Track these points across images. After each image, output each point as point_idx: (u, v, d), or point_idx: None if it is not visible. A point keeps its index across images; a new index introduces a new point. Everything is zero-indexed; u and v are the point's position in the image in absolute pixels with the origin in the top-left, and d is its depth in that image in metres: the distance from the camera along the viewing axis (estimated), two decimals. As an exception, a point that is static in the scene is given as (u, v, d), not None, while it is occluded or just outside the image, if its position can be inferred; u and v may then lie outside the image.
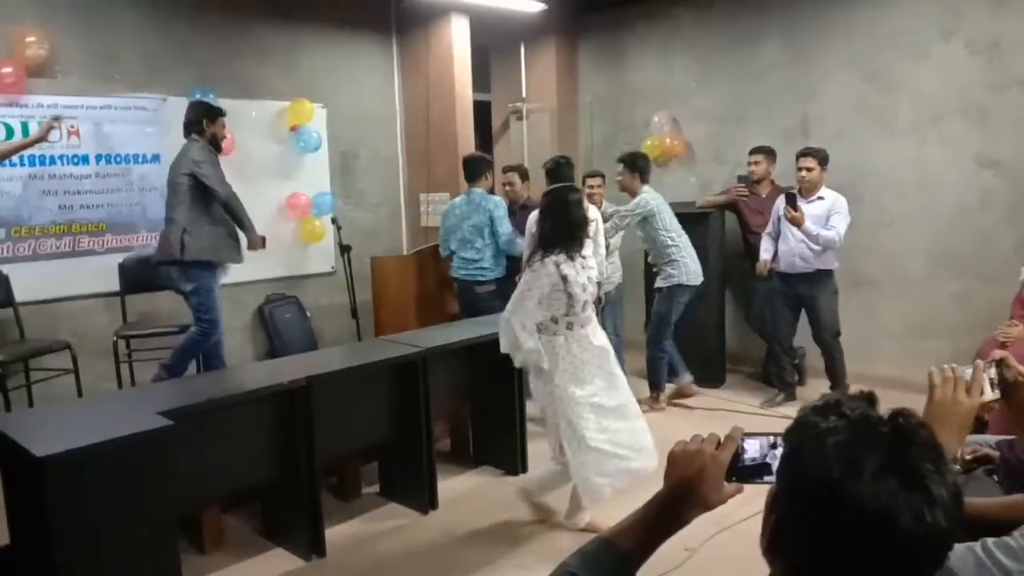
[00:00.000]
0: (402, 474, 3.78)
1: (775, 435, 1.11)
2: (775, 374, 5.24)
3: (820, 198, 4.78)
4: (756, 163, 5.32)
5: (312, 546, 3.28)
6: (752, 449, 1.16)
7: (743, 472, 1.15)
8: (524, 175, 5.42)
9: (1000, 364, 1.58)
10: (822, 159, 4.79)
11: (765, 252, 5.07)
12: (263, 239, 4.49)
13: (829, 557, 0.88)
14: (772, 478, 1.05)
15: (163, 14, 5.18)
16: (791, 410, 4.89)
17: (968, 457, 2.49)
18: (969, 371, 1.49)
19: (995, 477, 2.32)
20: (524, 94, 7.11)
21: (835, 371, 4.91)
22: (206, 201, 4.24)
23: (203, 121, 4.32)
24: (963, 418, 1.45)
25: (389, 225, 6.61)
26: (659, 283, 4.98)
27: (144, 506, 2.53)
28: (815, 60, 5.57)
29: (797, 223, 4.61)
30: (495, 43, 7.15)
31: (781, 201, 4.90)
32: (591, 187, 5.36)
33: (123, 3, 5.01)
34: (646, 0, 6.44)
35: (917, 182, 5.15)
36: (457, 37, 6.13)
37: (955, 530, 0.89)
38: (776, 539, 0.95)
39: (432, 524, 3.58)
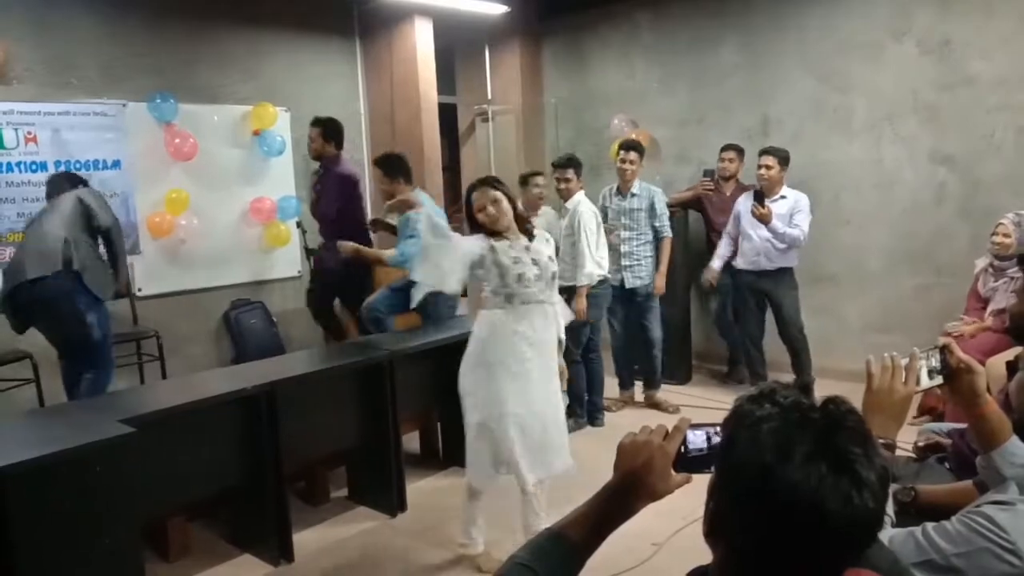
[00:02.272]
0: (370, 477, 3.78)
1: (718, 425, 1.15)
2: (746, 368, 5.32)
3: (782, 197, 4.89)
4: (729, 160, 5.36)
5: (280, 551, 3.27)
6: (697, 440, 1.19)
7: (689, 463, 1.18)
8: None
9: (944, 350, 1.62)
10: (782, 159, 4.88)
11: (718, 258, 5.18)
12: None
13: (763, 540, 0.92)
14: (710, 469, 1.09)
15: (122, 19, 5.12)
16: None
17: (921, 445, 2.56)
18: (906, 360, 1.53)
19: (947, 465, 2.39)
20: (489, 96, 7.13)
21: (800, 365, 5.00)
22: None
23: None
24: (900, 406, 1.49)
25: (355, 229, 6.58)
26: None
27: (107, 515, 2.51)
28: (772, 62, 5.67)
29: (765, 220, 4.69)
30: (459, 46, 7.16)
31: (743, 200, 4.98)
32: (537, 185, 5.23)
33: (80, 9, 4.94)
34: (607, 3, 6.50)
35: (874, 180, 5.26)
36: (421, 40, 6.14)
37: (883, 511, 0.93)
38: (714, 524, 0.99)
39: (401, 527, 3.58)
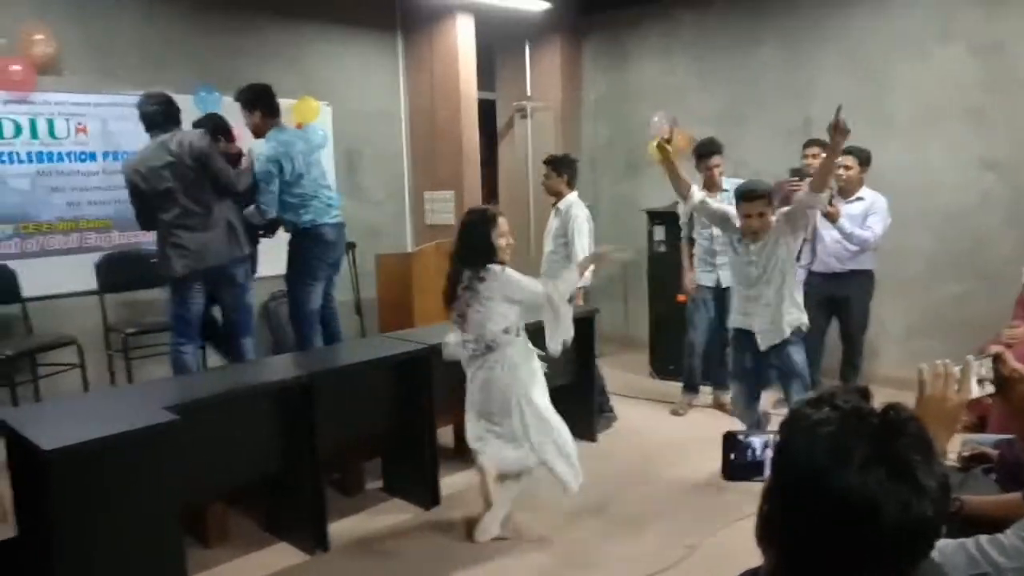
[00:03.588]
0: (405, 469, 3.81)
1: (769, 434, 1.14)
2: None
3: (859, 198, 4.72)
4: (813, 156, 4.85)
5: (315, 541, 3.31)
6: (752, 446, 1.18)
7: (740, 469, 1.18)
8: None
9: (996, 360, 1.59)
10: (863, 159, 4.70)
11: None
12: None
13: (817, 545, 0.91)
14: (762, 476, 1.07)
15: (168, 12, 5.21)
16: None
17: (966, 455, 2.51)
18: (959, 368, 1.50)
19: (993, 476, 2.34)
20: (529, 93, 7.13)
21: (850, 372, 4.89)
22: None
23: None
24: (952, 414, 1.46)
25: (394, 222, 6.64)
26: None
27: (148, 500, 2.56)
28: (813, 61, 5.59)
29: (832, 219, 4.54)
30: (500, 42, 7.17)
31: None
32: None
33: (127, 1, 5.04)
34: (647, 0, 6.46)
35: (917, 183, 5.16)
36: (462, 36, 6.15)
37: (942, 521, 0.92)
38: (767, 528, 0.98)
39: (434, 519, 3.61)
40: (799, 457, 0.94)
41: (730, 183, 4.87)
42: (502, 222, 3.20)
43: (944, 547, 1.43)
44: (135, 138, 5.05)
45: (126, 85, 5.04)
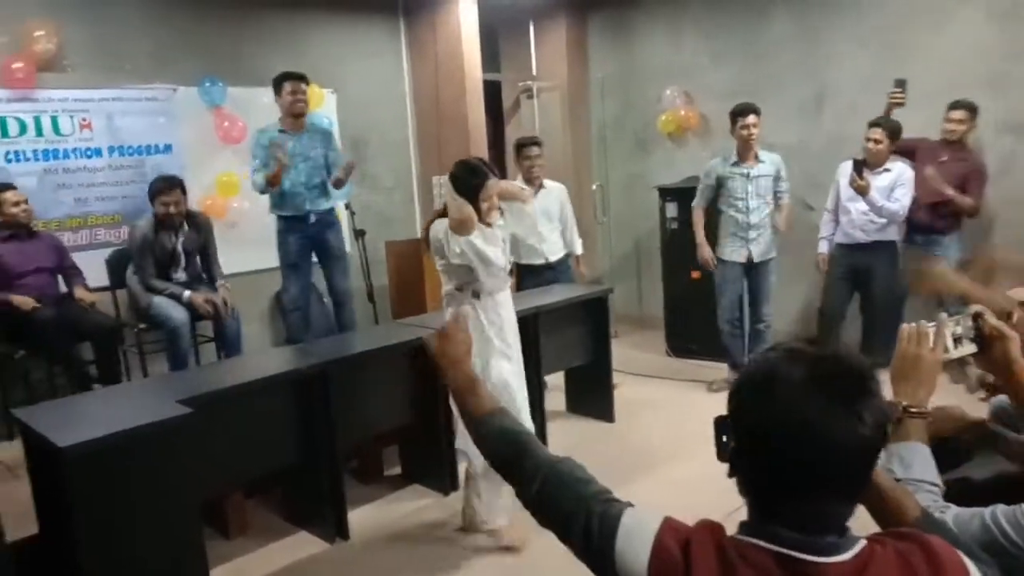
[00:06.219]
0: (423, 456, 3.79)
1: None
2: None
3: (886, 169, 4.63)
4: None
5: (336, 529, 3.30)
6: None
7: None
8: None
9: (976, 318, 1.59)
10: (892, 131, 4.59)
11: (825, 241, 4.92)
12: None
13: (774, 469, 1.02)
14: None
15: (169, 4, 5.16)
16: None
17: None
18: (933, 326, 1.51)
19: None
20: (534, 73, 7.05)
21: (873, 346, 4.82)
22: None
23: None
24: (927, 373, 1.49)
25: (402, 209, 6.59)
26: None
27: (166, 493, 2.55)
28: (827, 32, 5.48)
29: (862, 192, 4.45)
30: (504, 22, 7.08)
31: (844, 169, 4.75)
32: (529, 157, 4.87)
33: (129, -6, 5.00)
34: (654, -26, 6.36)
35: (937, 150, 5.05)
36: (465, 17, 6.07)
37: (880, 443, 1.03)
38: (733, 462, 1.09)
39: (453, 505, 3.58)
40: (751, 397, 1.05)
41: (765, 154, 4.80)
42: (489, 186, 2.95)
43: (958, 514, 1.41)
44: (140, 132, 5.07)
45: (130, 79, 5.02)
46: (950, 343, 1.55)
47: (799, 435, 0.98)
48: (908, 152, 4.73)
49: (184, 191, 4.59)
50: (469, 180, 2.96)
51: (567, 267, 5.05)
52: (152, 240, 4.52)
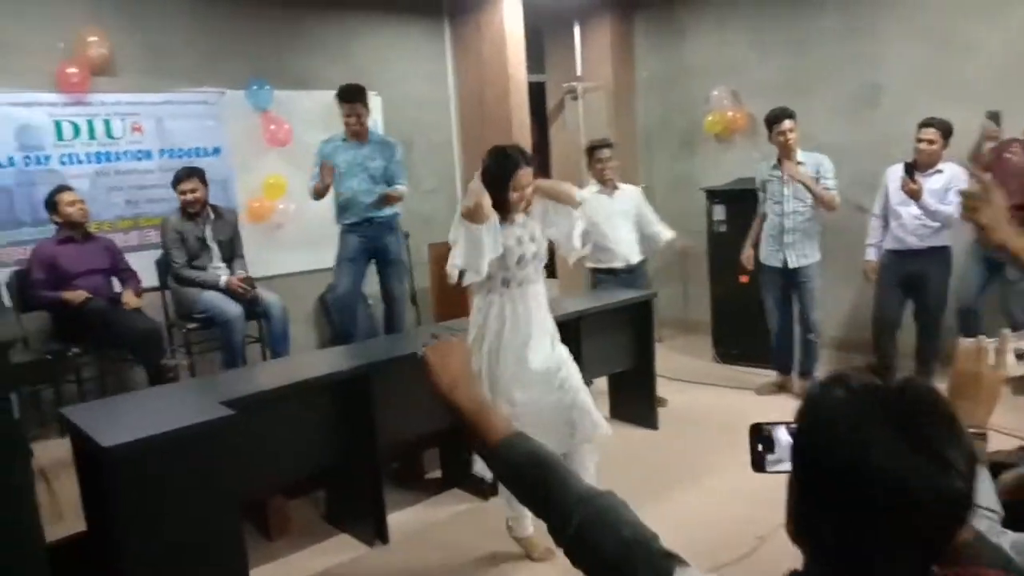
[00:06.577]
0: (463, 459, 3.76)
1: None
2: (876, 359, 4.91)
3: (938, 171, 4.45)
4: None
5: (376, 532, 3.30)
6: (778, 437, 1.11)
7: (768, 462, 1.10)
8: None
9: None
10: (946, 131, 4.42)
11: (873, 248, 4.75)
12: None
13: (849, 533, 0.88)
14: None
15: (217, 10, 5.24)
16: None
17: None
18: (994, 342, 1.40)
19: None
20: (579, 73, 6.99)
21: (926, 354, 4.68)
22: None
23: None
24: (987, 391, 1.37)
25: (445, 211, 6.57)
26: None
27: (208, 494, 2.55)
28: (878, 27, 5.32)
29: (915, 196, 4.29)
30: (548, 22, 7.03)
31: (893, 173, 4.61)
32: (601, 159, 4.73)
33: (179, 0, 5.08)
34: (701, -28, 6.26)
35: (998, 149, 4.86)
36: (509, 18, 6.05)
37: (971, 492, 0.89)
38: (799, 524, 0.94)
39: (494, 510, 3.54)
40: (819, 450, 0.90)
41: (805, 156, 4.68)
42: (521, 174, 2.81)
43: (1016, 540, 1.32)
44: (189, 135, 5.15)
45: (179, 83, 5.10)
46: (1012, 360, 1.44)
47: (879, 493, 0.85)
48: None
49: (204, 181, 4.71)
50: (500, 166, 2.84)
51: (643, 272, 4.92)
52: (182, 231, 4.65)
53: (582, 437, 3.02)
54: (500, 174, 2.82)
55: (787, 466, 1.04)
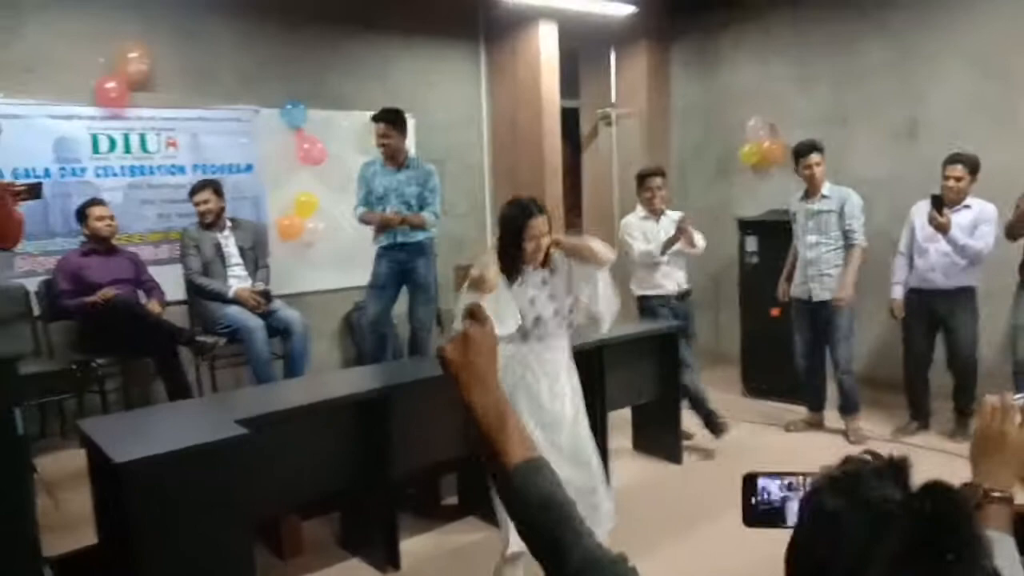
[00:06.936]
0: (482, 487, 3.67)
1: (793, 476, 1.04)
2: (906, 399, 4.81)
3: (966, 207, 4.36)
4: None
5: (388, 558, 3.24)
6: (771, 490, 1.04)
7: (761, 516, 1.04)
8: None
9: None
10: (973, 167, 4.33)
11: (898, 285, 4.64)
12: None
13: None
14: (785, 524, 0.98)
15: (256, 29, 5.30)
16: (924, 439, 4.56)
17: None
18: (1021, 399, 1.30)
19: None
20: (613, 99, 6.96)
21: (961, 402, 4.55)
22: None
23: None
24: (1012, 451, 1.27)
25: (475, 234, 6.57)
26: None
27: (220, 512, 2.53)
28: (922, 57, 5.22)
29: (943, 230, 4.21)
30: (584, 48, 7.03)
31: (918, 209, 4.52)
32: (651, 188, 4.64)
33: (219, 19, 5.14)
34: (740, 2, 6.20)
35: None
36: (545, 43, 6.05)
37: None
38: None
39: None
40: (822, 554, 0.83)
41: (832, 189, 4.60)
42: (534, 224, 2.82)
43: None
44: (222, 152, 5.20)
45: (216, 100, 5.16)
46: None
47: None
48: None
49: (219, 193, 4.77)
50: (514, 215, 2.88)
51: (689, 301, 4.80)
52: (198, 240, 4.71)
53: (592, 523, 2.91)
54: (514, 223, 2.86)
55: (783, 523, 0.98)
